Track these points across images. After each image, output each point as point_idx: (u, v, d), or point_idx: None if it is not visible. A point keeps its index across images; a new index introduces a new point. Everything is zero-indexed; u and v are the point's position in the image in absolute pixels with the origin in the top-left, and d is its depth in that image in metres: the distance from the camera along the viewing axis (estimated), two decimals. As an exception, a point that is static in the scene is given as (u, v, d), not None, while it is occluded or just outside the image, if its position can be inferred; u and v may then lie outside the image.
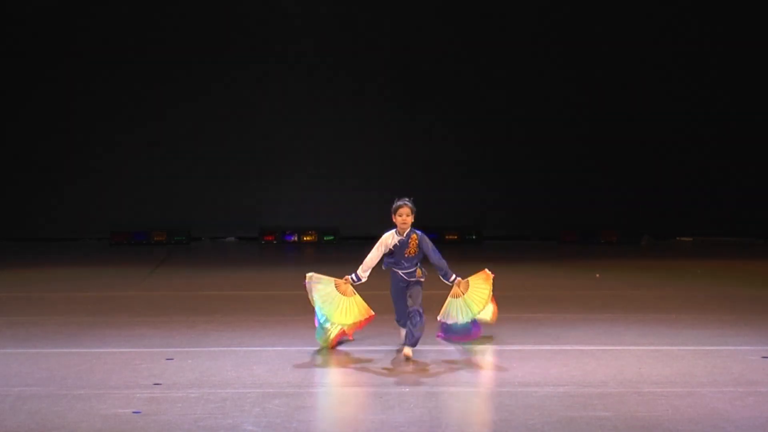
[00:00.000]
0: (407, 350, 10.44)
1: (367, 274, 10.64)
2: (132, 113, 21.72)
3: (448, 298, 10.83)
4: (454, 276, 10.65)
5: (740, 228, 21.75)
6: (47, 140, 21.76)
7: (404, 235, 10.59)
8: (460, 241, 21.17)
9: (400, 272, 10.66)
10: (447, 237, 20.79)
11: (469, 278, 10.79)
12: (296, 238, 21.55)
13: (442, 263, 10.60)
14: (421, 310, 10.49)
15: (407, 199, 10.61)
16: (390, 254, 10.62)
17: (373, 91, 22.10)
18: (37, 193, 21.72)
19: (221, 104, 21.85)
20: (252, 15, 21.83)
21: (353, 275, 10.67)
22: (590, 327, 12.14)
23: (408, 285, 10.67)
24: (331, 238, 21.54)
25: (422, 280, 10.66)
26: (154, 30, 21.73)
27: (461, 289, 10.70)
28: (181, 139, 21.88)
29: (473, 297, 10.75)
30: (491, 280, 10.79)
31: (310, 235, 21.50)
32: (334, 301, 10.71)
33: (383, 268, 10.71)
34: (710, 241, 21.35)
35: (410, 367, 10.14)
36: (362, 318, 10.75)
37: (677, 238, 21.80)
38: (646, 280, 16.23)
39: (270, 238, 21.52)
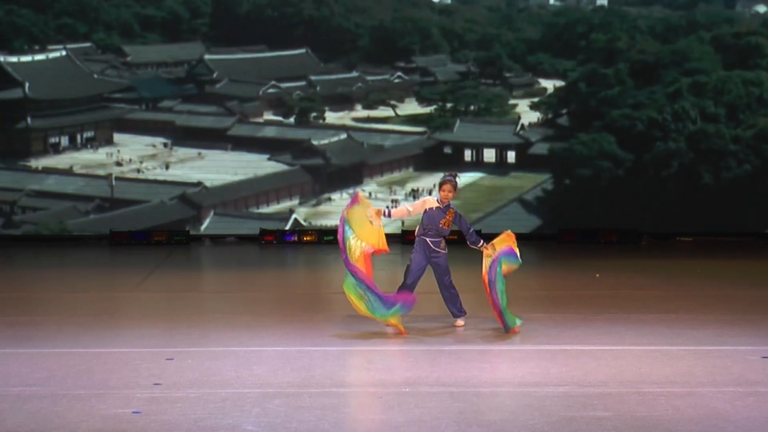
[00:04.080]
0: (460, 321, 12.01)
1: (396, 218, 12.26)
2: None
3: (484, 259, 11.88)
4: (482, 242, 12.00)
5: (738, 226, 21.77)
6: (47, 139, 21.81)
7: (443, 206, 11.85)
8: (461, 241, 21.10)
9: (428, 239, 11.88)
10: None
11: (494, 241, 11.99)
12: (296, 238, 21.54)
13: (472, 234, 12.02)
14: (453, 289, 11.99)
15: (453, 176, 11.94)
16: (427, 222, 11.87)
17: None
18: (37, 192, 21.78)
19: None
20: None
21: (386, 209, 11.85)
22: (590, 327, 12.13)
23: (429, 259, 11.88)
24: (331, 238, 21.51)
25: (446, 251, 11.96)
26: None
27: (489, 250, 11.89)
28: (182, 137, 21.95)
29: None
30: (514, 239, 12.04)
31: (310, 235, 21.49)
32: (364, 224, 11.60)
33: (416, 235, 11.98)
34: (710, 241, 21.35)
35: (410, 366, 10.14)
36: (378, 246, 11.60)
37: (677, 238, 21.80)
38: (646, 280, 16.22)
39: (270, 239, 21.51)
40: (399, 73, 22.68)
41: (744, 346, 11.05)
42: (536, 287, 15.59)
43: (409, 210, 12.07)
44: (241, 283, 16.44)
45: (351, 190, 22.04)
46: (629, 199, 21.83)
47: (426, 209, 11.91)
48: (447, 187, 11.82)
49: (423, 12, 22.90)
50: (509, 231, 12.13)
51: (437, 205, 11.90)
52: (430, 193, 21.78)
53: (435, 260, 11.99)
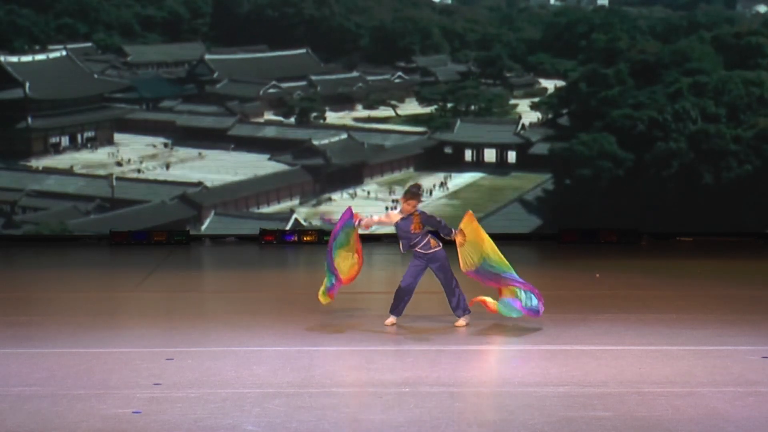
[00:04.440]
0: (461, 321, 12.03)
1: (366, 226, 12.17)
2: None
3: (458, 249, 12.06)
4: (453, 231, 12.09)
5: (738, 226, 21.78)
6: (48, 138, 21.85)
7: (406, 216, 11.98)
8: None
9: (417, 249, 12.02)
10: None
11: (460, 225, 12.12)
12: (296, 238, 21.53)
13: (443, 226, 12.08)
14: (457, 289, 12.07)
15: (419, 190, 12.13)
16: (401, 235, 12.03)
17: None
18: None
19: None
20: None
21: (360, 220, 12.13)
22: (590, 327, 12.14)
23: (426, 263, 11.97)
24: (332, 238, 21.50)
25: (439, 248, 12.04)
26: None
27: (460, 238, 12.02)
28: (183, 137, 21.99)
29: (473, 239, 12.02)
30: (474, 219, 12.14)
31: (310, 235, 21.48)
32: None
33: (402, 251, 12.03)
34: (710, 241, 21.35)
35: (410, 366, 10.14)
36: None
37: (677, 238, 21.79)
38: (646, 280, 16.22)
39: (270, 239, 21.50)
40: (399, 73, 22.68)
41: (744, 346, 11.05)
42: (537, 287, 15.55)
43: (374, 220, 12.27)
44: (241, 283, 16.44)
45: (351, 190, 22.05)
46: (629, 199, 21.82)
47: (395, 223, 12.06)
48: (412, 202, 11.99)
49: (423, 12, 22.88)
50: (470, 211, 12.31)
51: (402, 216, 12.04)
52: (430, 194, 21.79)
53: (434, 264, 12.00)
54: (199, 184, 22.12)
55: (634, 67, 22.10)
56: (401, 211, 12.05)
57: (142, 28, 22.25)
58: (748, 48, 22.15)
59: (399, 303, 12.08)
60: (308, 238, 21.40)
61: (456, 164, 22.49)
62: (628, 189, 21.87)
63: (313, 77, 22.46)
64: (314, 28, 22.42)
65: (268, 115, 22.58)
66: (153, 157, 22.24)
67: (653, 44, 22.24)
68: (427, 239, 12.04)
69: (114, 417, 8.43)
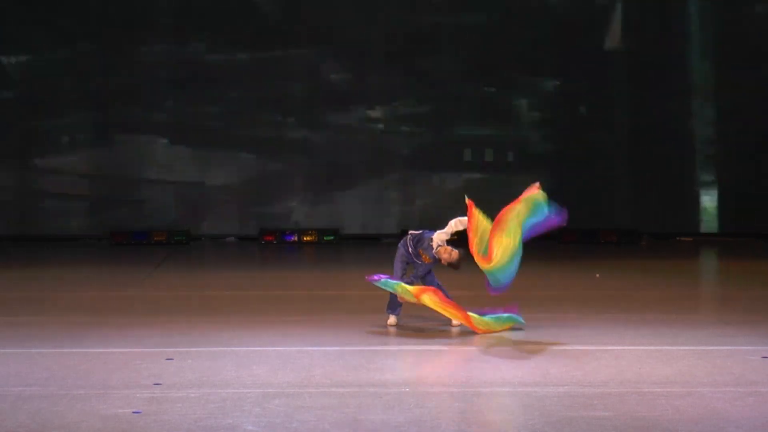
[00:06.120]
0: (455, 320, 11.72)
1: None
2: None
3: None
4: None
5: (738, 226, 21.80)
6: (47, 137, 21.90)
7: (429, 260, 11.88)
8: (460, 242, 21.09)
9: (409, 244, 11.90)
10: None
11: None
12: (296, 238, 21.55)
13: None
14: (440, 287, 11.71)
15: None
16: (407, 259, 11.91)
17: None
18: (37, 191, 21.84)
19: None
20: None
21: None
22: (590, 327, 12.13)
23: (409, 259, 11.86)
24: (331, 237, 21.53)
25: (421, 263, 11.80)
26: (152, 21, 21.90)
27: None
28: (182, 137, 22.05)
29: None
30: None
31: (310, 235, 21.49)
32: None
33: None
34: (710, 241, 21.35)
35: (410, 366, 10.15)
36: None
37: (677, 238, 21.80)
38: (646, 280, 16.22)
39: (270, 238, 21.51)
40: (399, 73, 22.67)
41: (744, 346, 11.05)
42: (536, 287, 15.58)
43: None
44: (241, 283, 16.43)
45: (351, 190, 22.07)
46: (629, 199, 21.84)
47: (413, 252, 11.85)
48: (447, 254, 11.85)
49: (423, 12, 22.87)
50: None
51: (430, 259, 11.85)
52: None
53: (417, 265, 11.90)
54: (199, 184, 22.14)
55: (634, 66, 22.12)
56: (436, 253, 11.80)
57: (142, 28, 22.26)
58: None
59: (395, 300, 11.96)
60: (308, 238, 21.42)
61: (455, 164, 22.50)
62: (628, 189, 21.89)
63: (313, 77, 22.47)
64: (314, 28, 22.41)
65: (268, 115, 22.58)
66: (153, 157, 22.26)
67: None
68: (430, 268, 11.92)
69: (114, 417, 8.42)
